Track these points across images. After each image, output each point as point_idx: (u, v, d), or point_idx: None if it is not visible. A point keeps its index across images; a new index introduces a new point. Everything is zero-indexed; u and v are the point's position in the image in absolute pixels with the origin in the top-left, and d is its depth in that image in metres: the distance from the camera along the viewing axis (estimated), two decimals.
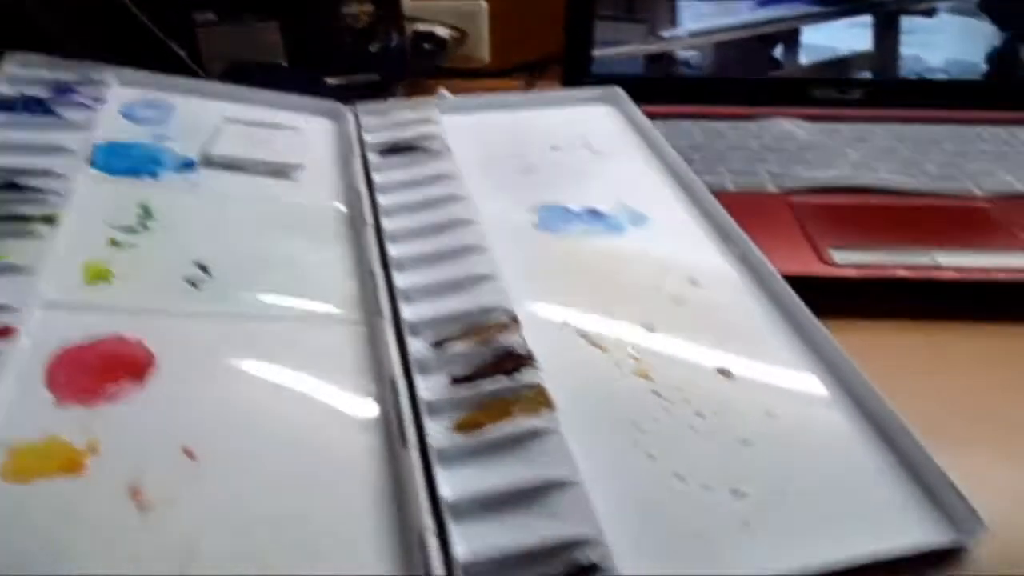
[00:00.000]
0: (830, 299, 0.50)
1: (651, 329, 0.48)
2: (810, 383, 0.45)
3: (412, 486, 0.38)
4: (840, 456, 0.41)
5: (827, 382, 0.45)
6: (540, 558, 0.35)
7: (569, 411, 0.41)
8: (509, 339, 0.45)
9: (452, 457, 0.40)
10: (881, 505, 0.39)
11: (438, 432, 0.41)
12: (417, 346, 0.45)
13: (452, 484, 0.39)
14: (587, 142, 0.65)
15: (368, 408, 0.41)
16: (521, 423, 0.41)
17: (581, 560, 0.35)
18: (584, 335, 0.47)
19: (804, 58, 0.81)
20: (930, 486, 0.39)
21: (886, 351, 0.51)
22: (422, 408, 0.42)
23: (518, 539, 0.36)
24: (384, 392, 0.42)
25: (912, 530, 0.38)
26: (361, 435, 0.40)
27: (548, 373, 0.43)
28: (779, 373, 0.46)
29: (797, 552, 0.35)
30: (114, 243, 0.47)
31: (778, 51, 0.82)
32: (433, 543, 0.35)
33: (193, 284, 0.46)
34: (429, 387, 0.43)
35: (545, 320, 0.48)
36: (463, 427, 0.41)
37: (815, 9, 0.81)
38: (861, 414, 0.43)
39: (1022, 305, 0.54)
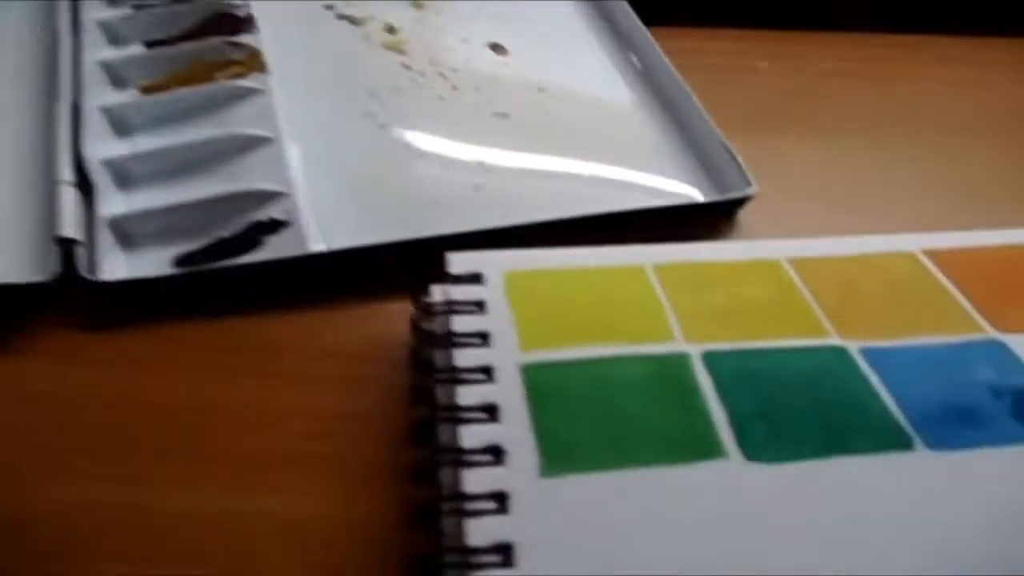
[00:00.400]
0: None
1: (419, 6, 0.41)
2: (598, 60, 0.39)
3: (55, 140, 0.31)
4: (617, 127, 0.35)
5: (617, 59, 0.39)
6: (213, 216, 0.30)
7: (292, 78, 0.34)
8: (229, 1, 0.38)
9: (130, 120, 0.33)
10: (657, 170, 0.34)
11: (117, 95, 0.34)
12: (108, 12, 0.38)
13: (124, 147, 0.32)
14: None
15: (27, 69, 0.34)
16: (223, 86, 0.34)
17: (261, 218, 0.30)
18: (332, 7, 0.40)
19: None
20: (709, 152, 0.34)
21: (721, 54, 0.45)
22: (88, 69, 0.34)
23: (186, 195, 0.30)
24: (46, 55, 0.35)
25: (674, 189, 0.33)
26: (13, 91, 0.33)
27: (276, 40, 0.36)
28: (564, 49, 0.39)
29: (534, 211, 0.30)
30: None
31: None
32: (68, 197, 0.29)
33: None
34: (118, 51, 0.36)
35: None
36: (150, 90, 0.35)
37: None
38: (648, 89, 0.37)
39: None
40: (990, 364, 0.23)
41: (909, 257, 0.27)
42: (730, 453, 0.20)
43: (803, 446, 0.21)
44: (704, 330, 0.24)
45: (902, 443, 0.21)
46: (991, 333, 0.24)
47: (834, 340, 0.24)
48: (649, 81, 0.38)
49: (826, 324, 0.24)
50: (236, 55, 0.34)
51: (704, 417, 0.21)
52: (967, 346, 0.24)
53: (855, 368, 0.23)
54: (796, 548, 0.19)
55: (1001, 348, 0.24)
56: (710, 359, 0.23)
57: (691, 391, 0.22)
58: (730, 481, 0.20)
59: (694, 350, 0.23)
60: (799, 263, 0.26)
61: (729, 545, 0.19)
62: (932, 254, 0.27)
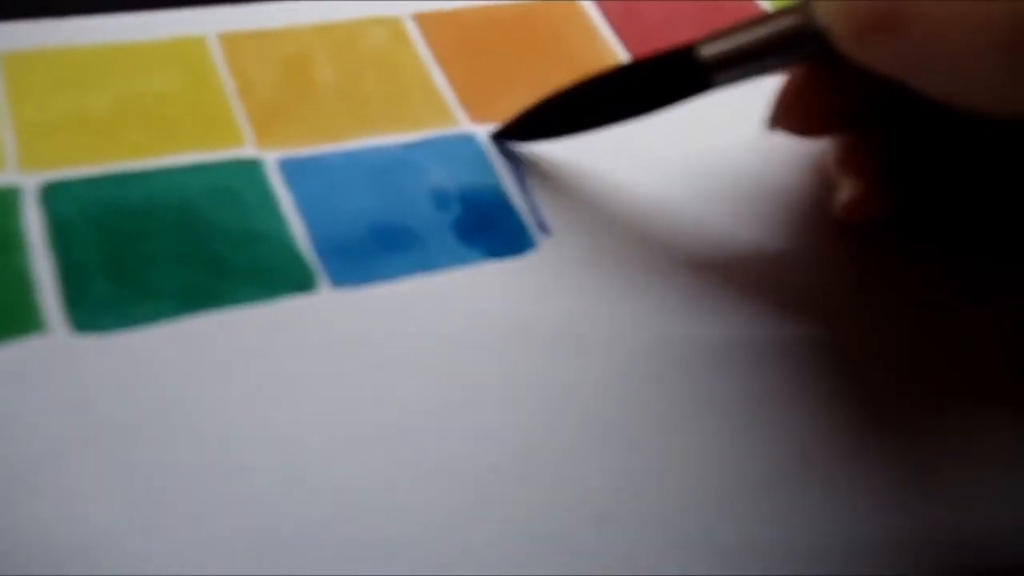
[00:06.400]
0: None
1: None
2: None
3: None
4: None
5: None
6: None
7: None
8: None
9: None
10: None
11: None
12: None
13: None
14: None
15: None
16: None
17: None
18: None
19: None
20: None
21: None
22: None
23: None
24: None
25: None
26: None
27: None
28: None
29: None
30: None
31: None
32: None
33: None
34: None
35: None
36: None
37: None
38: None
39: None
40: (448, 166, 0.21)
41: (392, 23, 0.24)
42: (52, 324, 0.17)
43: (159, 304, 0.18)
44: (52, 151, 0.19)
45: (301, 284, 0.18)
46: (463, 126, 0.22)
47: (248, 151, 0.20)
48: None
49: (244, 128, 0.20)
50: None
51: (19, 277, 0.18)
52: (427, 144, 0.21)
53: (263, 188, 0.19)
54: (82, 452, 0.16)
55: (468, 144, 0.21)
56: (51, 193, 0.19)
57: (10, 240, 0.18)
58: (41, 363, 0.17)
59: (30, 181, 0.19)
60: (231, 39, 0.22)
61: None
62: (423, 19, 0.24)
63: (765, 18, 0.19)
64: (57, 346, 0.17)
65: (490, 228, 0.20)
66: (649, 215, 0.21)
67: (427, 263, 0.19)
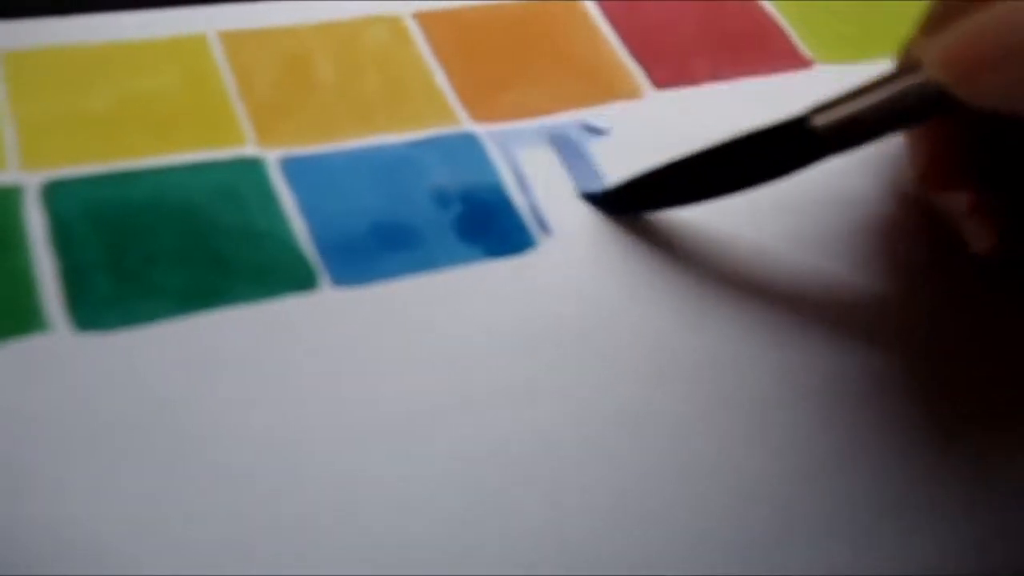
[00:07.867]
0: None
1: None
2: None
3: None
4: None
5: None
6: None
7: None
8: None
9: None
10: None
11: None
12: None
13: None
14: None
15: None
16: None
17: None
18: None
19: None
20: None
21: None
22: None
23: None
24: None
25: None
26: None
27: None
28: None
29: None
30: None
31: None
32: None
33: None
34: None
35: None
36: None
37: None
38: None
39: None
40: (449, 165, 0.21)
41: (393, 22, 0.24)
42: (54, 323, 0.17)
43: (160, 302, 0.18)
44: (53, 150, 0.19)
45: (302, 282, 0.19)
46: (464, 125, 0.22)
47: (249, 149, 0.20)
48: None
49: (245, 127, 0.21)
50: None
51: (21, 276, 0.18)
52: (428, 143, 0.21)
53: (265, 187, 0.20)
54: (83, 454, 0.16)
55: (470, 143, 0.22)
56: (52, 192, 0.19)
57: (11, 239, 0.18)
58: (44, 362, 0.17)
59: (31, 180, 0.19)
60: (232, 38, 0.22)
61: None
62: (424, 17, 0.24)
63: (876, 83, 0.19)
64: (59, 345, 0.17)
65: (491, 227, 0.20)
66: (649, 213, 0.21)
67: (428, 262, 0.20)
